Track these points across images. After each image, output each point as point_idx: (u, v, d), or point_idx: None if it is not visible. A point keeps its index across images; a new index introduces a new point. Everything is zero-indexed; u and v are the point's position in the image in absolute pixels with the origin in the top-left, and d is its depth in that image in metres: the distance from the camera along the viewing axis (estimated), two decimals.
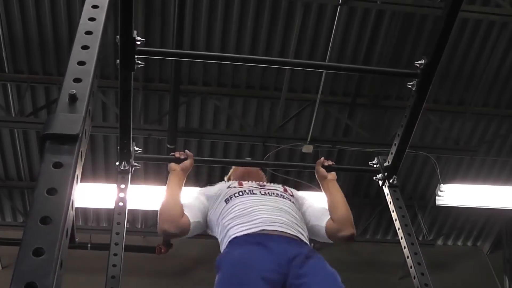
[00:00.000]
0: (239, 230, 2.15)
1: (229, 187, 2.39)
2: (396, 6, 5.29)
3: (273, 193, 2.33)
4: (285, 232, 2.14)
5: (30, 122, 5.84)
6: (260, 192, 2.32)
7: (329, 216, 2.36)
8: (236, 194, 2.29)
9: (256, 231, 2.12)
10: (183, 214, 2.25)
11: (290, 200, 2.34)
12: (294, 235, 2.15)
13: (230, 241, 2.14)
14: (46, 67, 5.82)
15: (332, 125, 6.61)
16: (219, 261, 2.07)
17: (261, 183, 2.48)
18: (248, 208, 2.21)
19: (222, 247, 2.20)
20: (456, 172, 7.13)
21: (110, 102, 5.99)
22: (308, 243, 2.21)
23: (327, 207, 2.42)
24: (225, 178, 2.76)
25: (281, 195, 2.34)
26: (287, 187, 2.49)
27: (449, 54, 5.91)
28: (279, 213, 2.20)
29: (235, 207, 2.24)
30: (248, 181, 2.48)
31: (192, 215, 2.27)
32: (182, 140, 6.20)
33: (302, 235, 2.20)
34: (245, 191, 2.32)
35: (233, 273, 1.97)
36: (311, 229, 2.37)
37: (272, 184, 2.49)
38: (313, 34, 5.71)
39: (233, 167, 2.82)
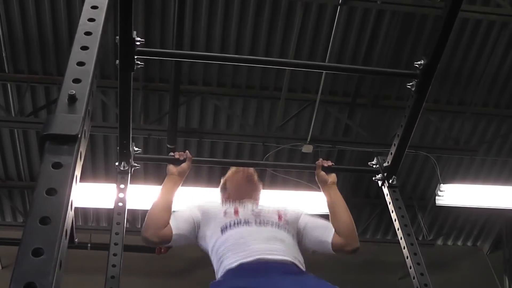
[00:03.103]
0: (234, 259, 2.15)
1: (225, 213, 2.35)
2: (396, 6, 5.29)
3: (268, 223, 2.31)
4: (280, 260, 2.15)
5: (30, 122, 5.84)
6: (255, 222, 2.30)
7: (333, 231, 2.37)
8: (232, 225, 2.27)
9: (251, 260, 2.13)
10: (167, 224, 2.26)
11: (285, 229, 2.32)
12: (289, 261, 2.16)
13: (226, 271, 2.15)
14: (46, 67, 5.82)
15: (332, 125, 6.61)
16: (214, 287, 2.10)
17: (256, 208, 2.42)
18: (242, 239, 2.20)
19: (218, 276, 2.21)
20: (456, 172, 7.13)
21: (110, 102, 5.99)
22: (303, 268, 2.22)
23: (327, 221, 2.43)
24: (221, 182, 2.67)
25: (276, 224, 2.32)
26: (281, 212, 2.42)
27: (449, 54, 5.91)
28: (273, 242, 2.21)
29: (230, 238, 2.23)
30: (243, 203, 2.43)
31: (175, 227, 2.28)
32: (182, 140, 6.20)
33: (298, 261, 2.21)
34: (240, 220, 2.29)
35: None
36: (313, 243, 2.39)
37: (267, 209, 2.43)
38: (313, 34, 5.71)
39: (232, 170, 2.72)
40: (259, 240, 2.19)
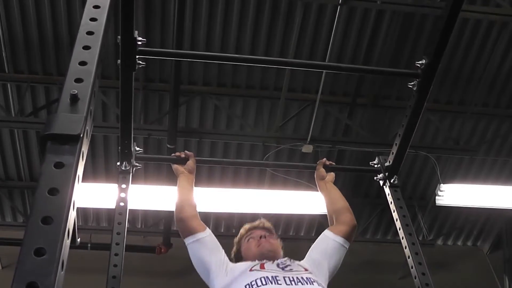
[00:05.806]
0: None
1: (251, 269, 2.15)
2: (396, 6, 5.29)
3: (298, 279, 2.09)
4: None
5: (30, 122, 5.84)
6: (284, 280, 2.08)
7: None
8: (259, 282, 2.05)
9: None
10: (196, 215, 2.26)
11: (314, 282, 2.12)
12: None
13: None
14: (46, 67, 5.81)
15: (332, 125, 6.60)
16: None
17: (281, 262, 2.21)
18: None
19: None
20: (456, 172, 7.12)
21: (111, 102, 5.99)
22: None
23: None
24: (232, 253, 2.46)
25: (306, 280, 2.11)
26: (304, 264, 2.25)
27: (449, 54, 5.91)
28: None
29: None
30: (268, 261, 2.22)
31: (210, 233, 2.26)
32: (182, 140, 6.20)
33: None
34: (268, 277, 2.07)
35: None
36: (321, 251, 2.32)
37: (292, 262, 2.23)
38: (313, 34, 5.71)
39: (242, 232, 2.46)
40: None
